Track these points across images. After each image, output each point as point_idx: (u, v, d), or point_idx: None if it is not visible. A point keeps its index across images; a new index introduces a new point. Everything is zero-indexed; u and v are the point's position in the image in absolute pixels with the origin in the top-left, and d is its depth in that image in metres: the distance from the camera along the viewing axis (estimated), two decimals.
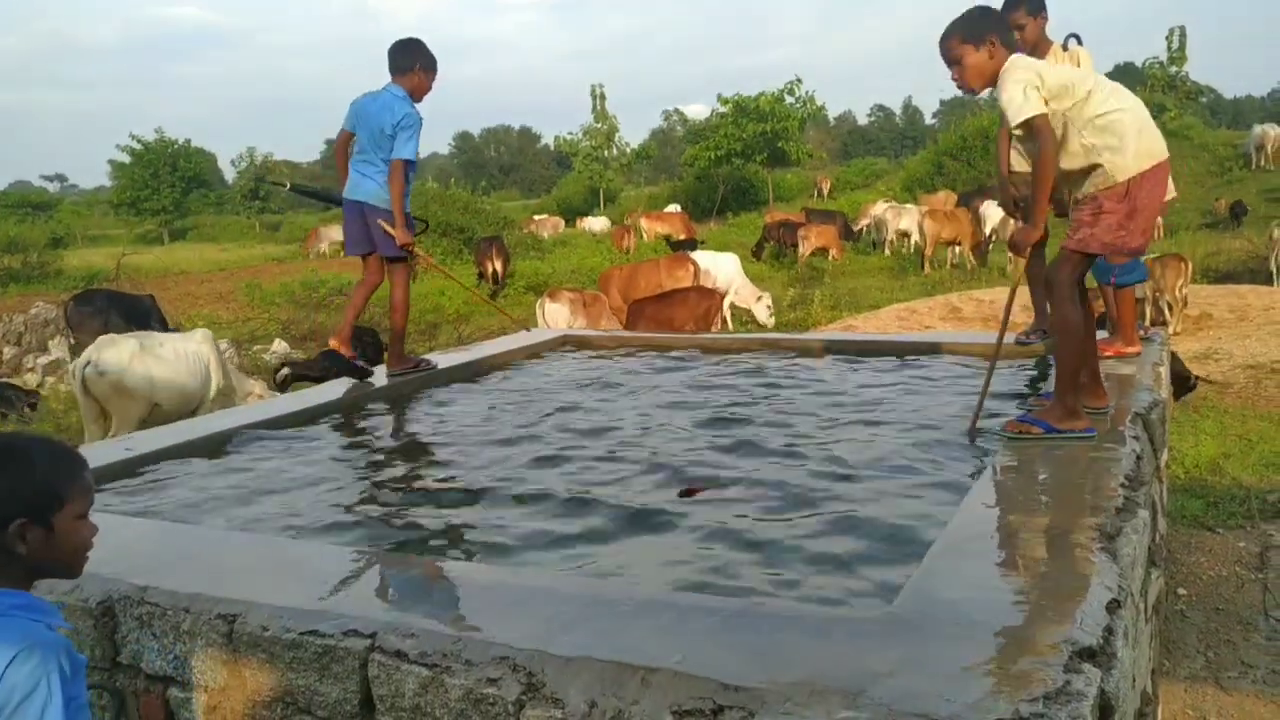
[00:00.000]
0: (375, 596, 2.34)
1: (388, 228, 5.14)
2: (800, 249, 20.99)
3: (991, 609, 2.07)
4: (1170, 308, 11.60)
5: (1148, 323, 10.25)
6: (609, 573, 2.72)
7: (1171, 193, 5.28)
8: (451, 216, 24.80)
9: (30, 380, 11.20)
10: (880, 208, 24.34)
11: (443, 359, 5.89)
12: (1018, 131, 3.41)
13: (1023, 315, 5.86)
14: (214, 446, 4.19)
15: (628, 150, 46.16)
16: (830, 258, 21.07)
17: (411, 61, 5.18)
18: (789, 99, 38.27)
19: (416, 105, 5.18)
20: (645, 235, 25.84)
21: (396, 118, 5.03)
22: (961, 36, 3.45)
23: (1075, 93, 3.40)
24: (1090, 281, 4.68)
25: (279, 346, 12.95)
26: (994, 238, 19.81)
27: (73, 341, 11.64)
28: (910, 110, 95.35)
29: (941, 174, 32.16)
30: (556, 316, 11.66)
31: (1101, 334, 5.01)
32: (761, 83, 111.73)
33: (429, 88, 5.26)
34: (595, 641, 1.97)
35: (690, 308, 11.43)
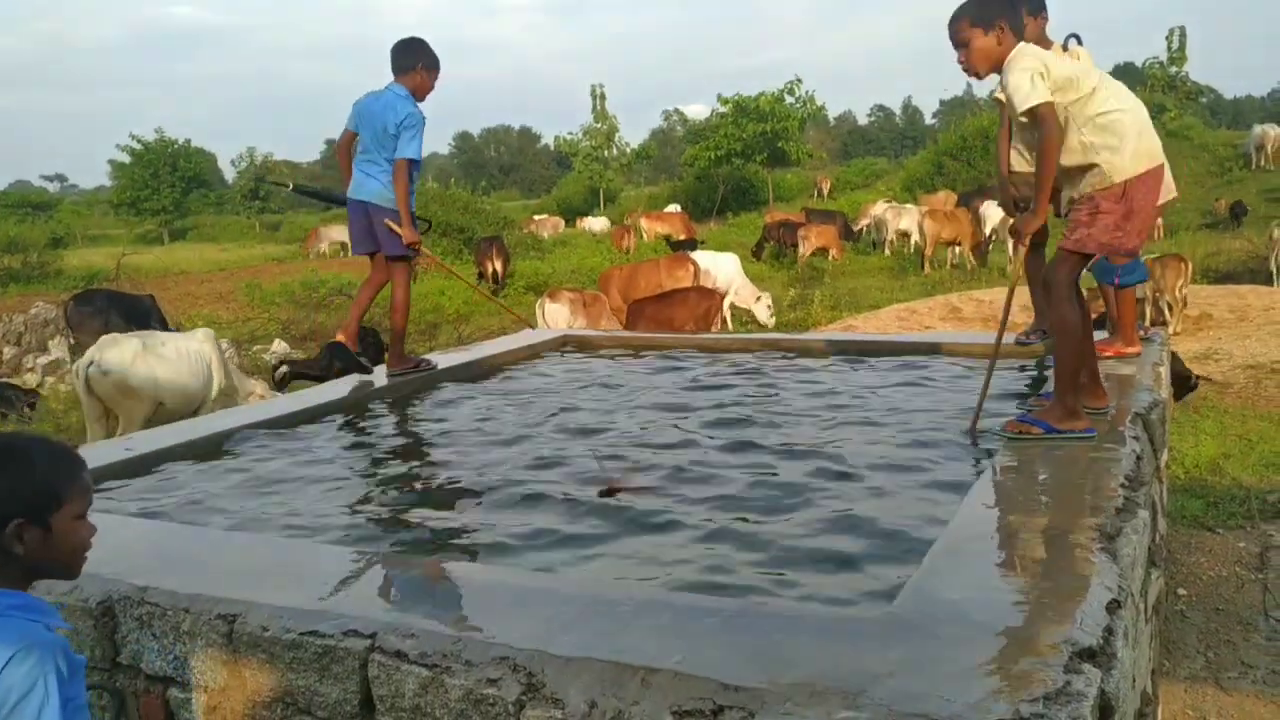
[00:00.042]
0: (375, 597, 2.34)
1: (394, 227, 5.16)
2: (800, 249, 20.99)
3: (991, 609, 2.07)
4: (1170, 308, 11.60)
5: (1148, 323, 10.25)
6: (609, 573, 2.72)
7: (1173, 193, 5.29)
8: (451, 217, 24.80)
9: (30, 380, 11.20)
10: (880, 208, 24.34)
11: (443, 359, 5.89)
12: (1023, 119, 3.39)
13: (1022, 315, 5.86)
14: (214, 446, 4.19)
15: (628, 150, 46.18)
16: (830, 258, 21.07)
17: (414, 61, 5.19)
18: (789, 99, 38.28)
19: (419, 104, 5.19)
20: (645, 235, 25.84)
21: (400, 117, 5.04)
22: (971, 19, 3.43)
23: (1080, 88, 3.40)
24: (1089, 281, 4.68)
25: (279, 347, 12.94)
26: (994, 238, 19.81)
27: (72, 341, 11.64)
28: (910, 110, 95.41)
29: (941, 174, 32.17)
30: (556, 317, 11.66)
31: (1101, 334, 5.01)
32: (761, 83, 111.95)
33: (431, 87, 5.26)
34: (595, 642, 1.97)
35: (690, 308, 11.44)
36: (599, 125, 43.64)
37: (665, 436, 4.11)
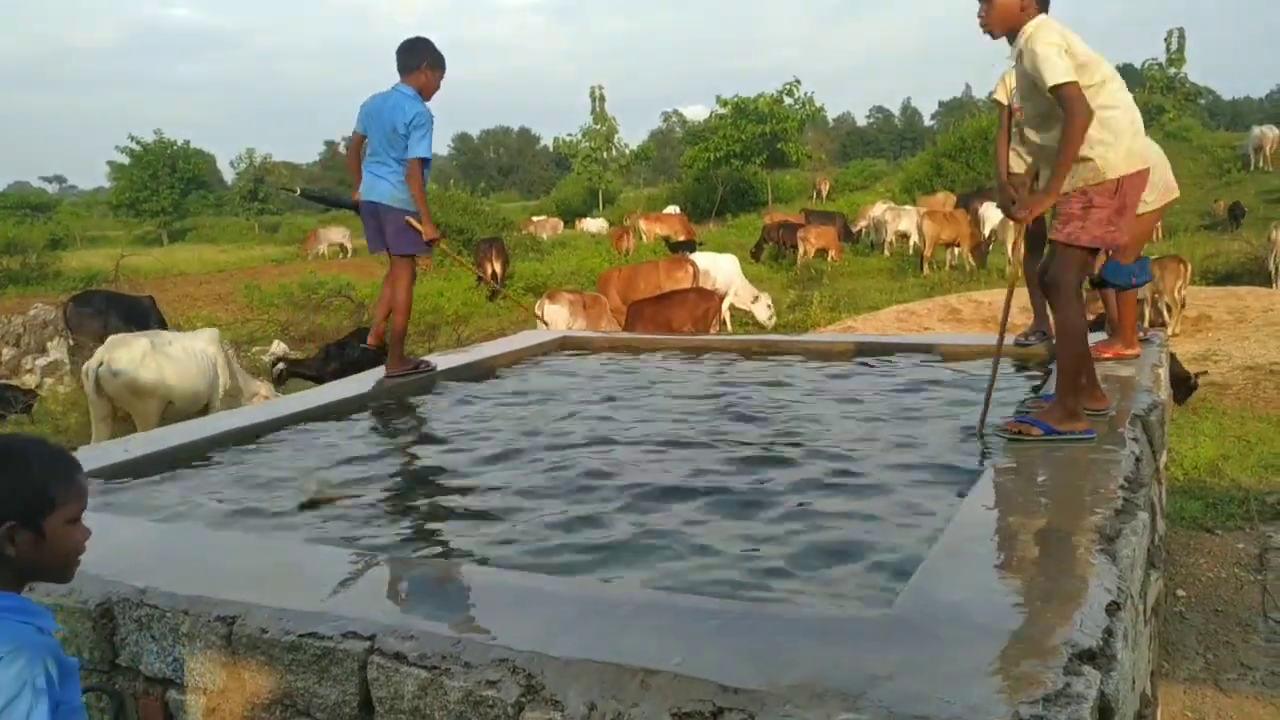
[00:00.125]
0: (374, 598, 2.33)
1: (415, 224, 5.18)
2: (800, 251, 21.00)
3: (991, 611, 2.07)
4: (1169, 309, 11.60)
5: (1146, 324, 10.24)
6: (608, 574, 2.72)
7: (1174, 193, 5.30)
8: (450, 218, 24.77)
9: (29, 381, 11.19)
10: (879, 209, 24.35)
11: (442, 360, 5.89)
12: (1049, 94, 3.29)
13: (1021, 317, 5.86)
14: (214, 447, 4.19)
15: (627, 151, 46.16)
16: (829, 259, 21.08)
17: (418, 60, 5.20)
18: (788, 100, 38.29)
19: (426, 103, 5.20)
20: (644, 237, 25.83)
21: (408, 117, 5.05)
22: None
23: (1093, 75, 3.38)
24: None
25: (277, 347, 12.93)
26: (993, 239, 19.82)
27: (71, 343, 11.63)
28: (909, 112, 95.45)
29: (940, 175, 32.15)
30: (556, 318, 11.65)
31: (1101, 335, 5.01)
32: (760, 84, 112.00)
33: (437, 86, 5.28)
34: (595, 643, 1.97)
35: (689, 309, 11.43)
36: (598, 126, 43.64)
37: (664, 437, 4.11)
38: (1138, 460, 3.19)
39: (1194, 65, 74.98)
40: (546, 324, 10.40)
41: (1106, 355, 4.73)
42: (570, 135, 45.03)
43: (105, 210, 50.89)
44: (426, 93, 5.21)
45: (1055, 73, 3.26)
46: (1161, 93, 36.86)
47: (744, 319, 14.69)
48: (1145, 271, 5.19)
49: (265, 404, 6.47)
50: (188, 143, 47.72)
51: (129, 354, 6.81)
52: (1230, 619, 4.81)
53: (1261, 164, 29.78)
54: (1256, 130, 31.15)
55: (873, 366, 5.52)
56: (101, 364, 6.79)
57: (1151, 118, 31.34)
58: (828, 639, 1.97)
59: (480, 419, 4.64)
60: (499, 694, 1.91)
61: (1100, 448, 3.27)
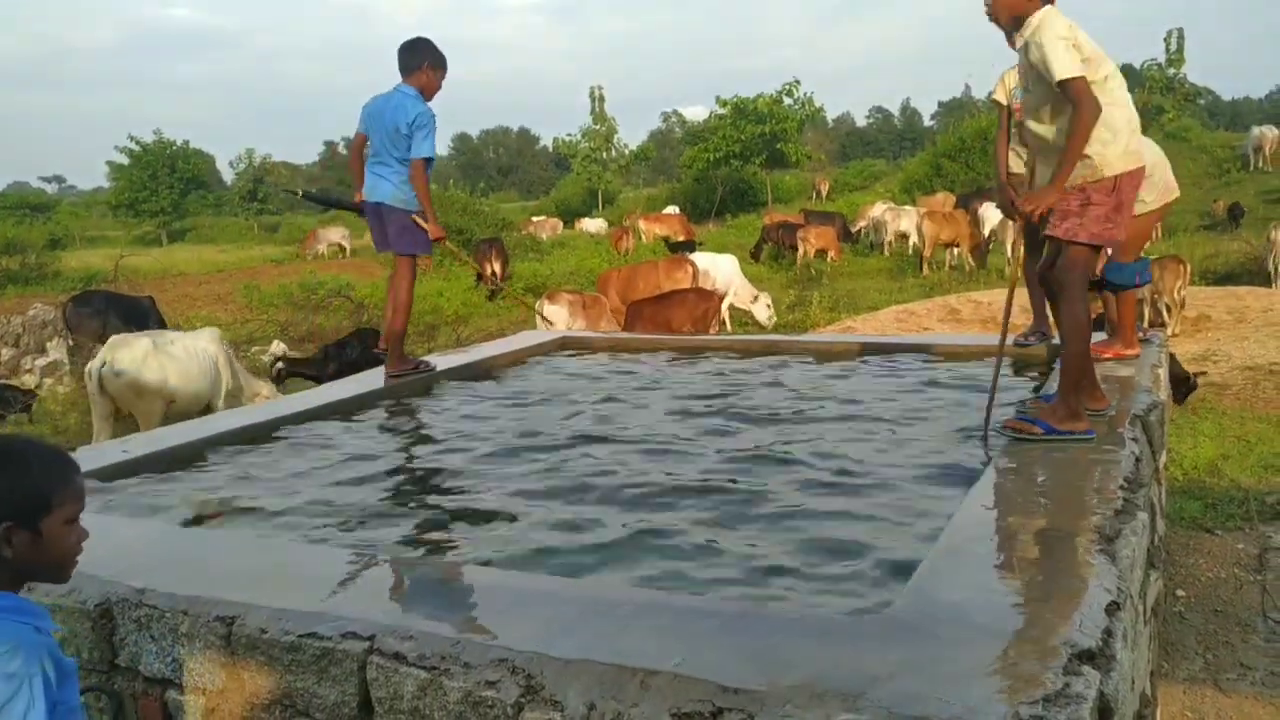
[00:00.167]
0: (374, 598, 2.33)
1: (422, 223, 5.21)
2: (800, 251, 20.99)
3: (991, 611, 2.07)
4: (1168, 310, 11.60)
5: (1146, 324, 10.25)
6: (608, 575, 2.72)
7: (1175, 192, 5.30)
8: (450, 218, 24.75)
9: (28, 381, 11.19)
10: (879, 209, 24.34)
11: (441, 360, 5.89)
12: (1057, 87, 3.26)
13: (1021, 317, 5.85)
14: (213, 448, 4.19)
15: (626, 152, 46.13)
16: (829, 259, 21.08)
17: (419, 60, 5.21)
18: (787, 101, 38.28)
19: (428, 104, 5.20)
20: (644, 237, 25.83)
21: (410, 116, 5.06)
22: None
23: (1097, 71, 3.37)
24: None
25: (277, 348, 12.94)
26: (992, 239, 19.82)
27: (71, 343, 11.63)
28: (908, 112, 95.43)
29: (940, 175, 32.15)
30: (556, 318, 11.66)
31: (1101, 335, 5.01)
32: (760, 84, 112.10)
33: (439, 86, 5.29)
34: (594, 644, 1.97)
35: (689, 309, 11.43)
36: (598, 127, 43.62)
37: (664, 437, 4.11)
38: (1137, 460, 3.19)
39: (1193, 65, 75.15)
40: (550, 324, 10.40)
41: (1106, 355, 4.73)
42: (570, 135, 45.08)
43: (104, 210, 50.85)
44: (428, 93, 5.22)
45: (1064, 67, 3.24)
46: (1161, 93, 36.82)
47: (744, 319, 14.69)
48: (1146, 272, 5.19)
49: (265, 404, 6.47)
50: (187, 143, 47.76)
51: (131, 354, 6.83)
52: (1230, 619, 4.81)
53: (1261, 164, 29.79)
54: (1256, 130, 31.17)
55: (873, 366, 5.52)
56: (104, 364, 6.82)
57: (1151, 118, 31.33)
58: (827, 639, 1.97)
59: (480, 419, 4.64)
60: (498, 694, 1.90)
61: (1100, 448, 3.27)
